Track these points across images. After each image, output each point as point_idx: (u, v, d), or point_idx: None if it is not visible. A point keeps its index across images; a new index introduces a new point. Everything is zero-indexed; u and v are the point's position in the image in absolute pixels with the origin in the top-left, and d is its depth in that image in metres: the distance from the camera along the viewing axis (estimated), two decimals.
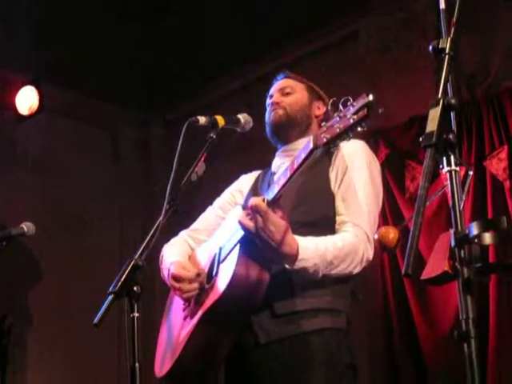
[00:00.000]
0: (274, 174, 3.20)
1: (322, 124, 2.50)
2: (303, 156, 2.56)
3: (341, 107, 2.42)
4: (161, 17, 7.01)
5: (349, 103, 2.39)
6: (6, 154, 6.62)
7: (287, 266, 2.71)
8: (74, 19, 6.51)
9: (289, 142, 3.17)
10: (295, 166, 2.60)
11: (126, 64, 7.01)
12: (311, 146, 2.51)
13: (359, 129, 2.37)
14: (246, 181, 3.40)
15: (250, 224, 2.64)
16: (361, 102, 2.34)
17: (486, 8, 5.05)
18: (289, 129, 3.16)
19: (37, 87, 6.27)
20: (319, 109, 3.23)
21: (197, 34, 6.85)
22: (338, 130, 2.40)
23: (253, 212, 2.62)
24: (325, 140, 2.45)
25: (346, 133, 2.39)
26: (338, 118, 2.41)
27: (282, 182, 2.65)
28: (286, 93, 3.23)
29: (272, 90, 3.30)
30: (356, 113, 2.34)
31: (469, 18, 4.48)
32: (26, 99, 6.29)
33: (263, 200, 2.65)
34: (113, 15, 6.69)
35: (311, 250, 2.71)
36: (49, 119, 6.67)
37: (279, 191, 2.66)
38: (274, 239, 2.63)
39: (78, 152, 7.08)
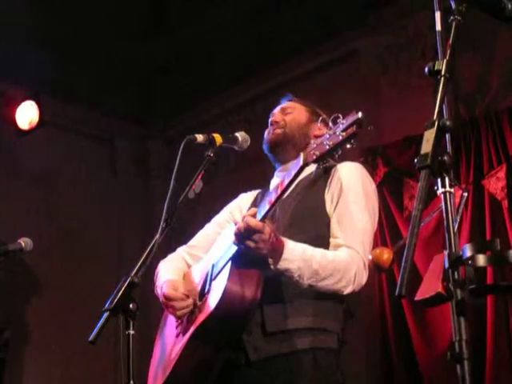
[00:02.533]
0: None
1: (312, 141, 2.51)
2: (293, 173, 2.57)
3: (331, 124, 2.43)
4: (161, 34, 7.04)
5: (338, 120, 2.40)
6: (5, 168, 6.63)
7: (272, 267, 2.71)
8: (75, 35, 6.54)
9: (286, 161, 3.17)
10: (285, 183, 2.61)
11: (126, 79, 7.04)
12: (301, 162, 2.53)
13: (348, 146, 2.38)
14: (245, 199, 3.41)
15: (241, 240, 2.65)
16: (350, 119, 2.35)
17: (485, 27, 5.06)
18: (285, 147, 3.16)
19: (37, 102, 6.29)
20: (320, 130, 3.21)
21: (197, 51, 6.87)
22: (327, 147, 2.41)
23: (245, 230, 2.63)
24: (314, 157, 2.46)
25: (336, 149, 2.40)
26: (327, 135, 2.42)
27: (273, 199, 2.65)
28: (287, 112, 3.26)
29: (274, 110, 3.33)
30: (345, 130, 2.35)
31: (468, 37, 4.50)
32: (26, 114, 6.31)
33: (254, 215, 2.66)
34: (113, 31, 6.72)
35: (297, 252, 2.71)
36: (48, 133, 6.68)
37: (269, 209, 2.65)
38: (262, 252, 2.65)
39: (76, 166, 7.10)
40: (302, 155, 2.54)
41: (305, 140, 3.17)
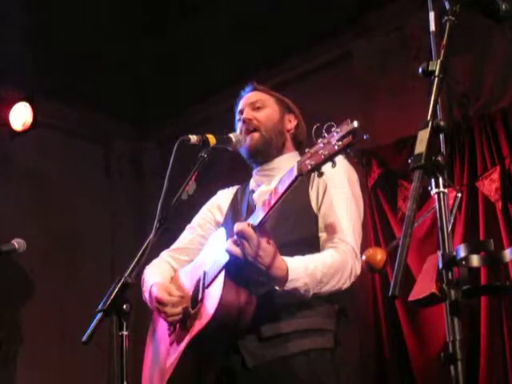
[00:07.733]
0: (253, 192, 3.18)
1: (306, 150, 2.45)
2: (288, 183, 2.52)
3: (324, 133, 2.38)
4: (156, 35, 7.04)
5: (333, 129, 2.35)
6: None
7: (277, 288, 2.70)
8: (68, 36, 6.52)
9: (266, 162, 3.16)
10: (279, 193, 2.56)
11: (121, 80, 7.02)
12: (296, 172, 2.47)
13: (344, 155, 2.35)
14: (224, 196, 3.39)
15: (238, 251, 2.63)
16: (345, 128, 2.29)
17: (479, 29, 5.06)
18: (266, 151, 3.15)
19: (30, 103, 6.27)
20: (290, 122, 3.22)
21: (191, 53, 6.86)
22: (322, 157, 2.36)
23: (239, 238, 2.61)
24: (309, 167, 2.41)
25: (331, 159, 2.35)
26: (322, 144, 2.36)
27: (267, 207, 2.61)
28: (257, 107, 3.20)
29: (242, 105, 3.26)
30: (341, 139, 2.30)
31: (462, 38, 4.50)
32: (20, 115, 6.29)
33: (248, 225, 2.62)
34: (108, 33, 6.70)
35: (301, 269, 2.69)
36: (42, 134, 6.66)
37: (264, 217, 2.62)
38: (263, 264, 2.62)
39: (71, 167, 7.09)
40: (296, 165, 2.47)
41: (281, 137, 3.17)
